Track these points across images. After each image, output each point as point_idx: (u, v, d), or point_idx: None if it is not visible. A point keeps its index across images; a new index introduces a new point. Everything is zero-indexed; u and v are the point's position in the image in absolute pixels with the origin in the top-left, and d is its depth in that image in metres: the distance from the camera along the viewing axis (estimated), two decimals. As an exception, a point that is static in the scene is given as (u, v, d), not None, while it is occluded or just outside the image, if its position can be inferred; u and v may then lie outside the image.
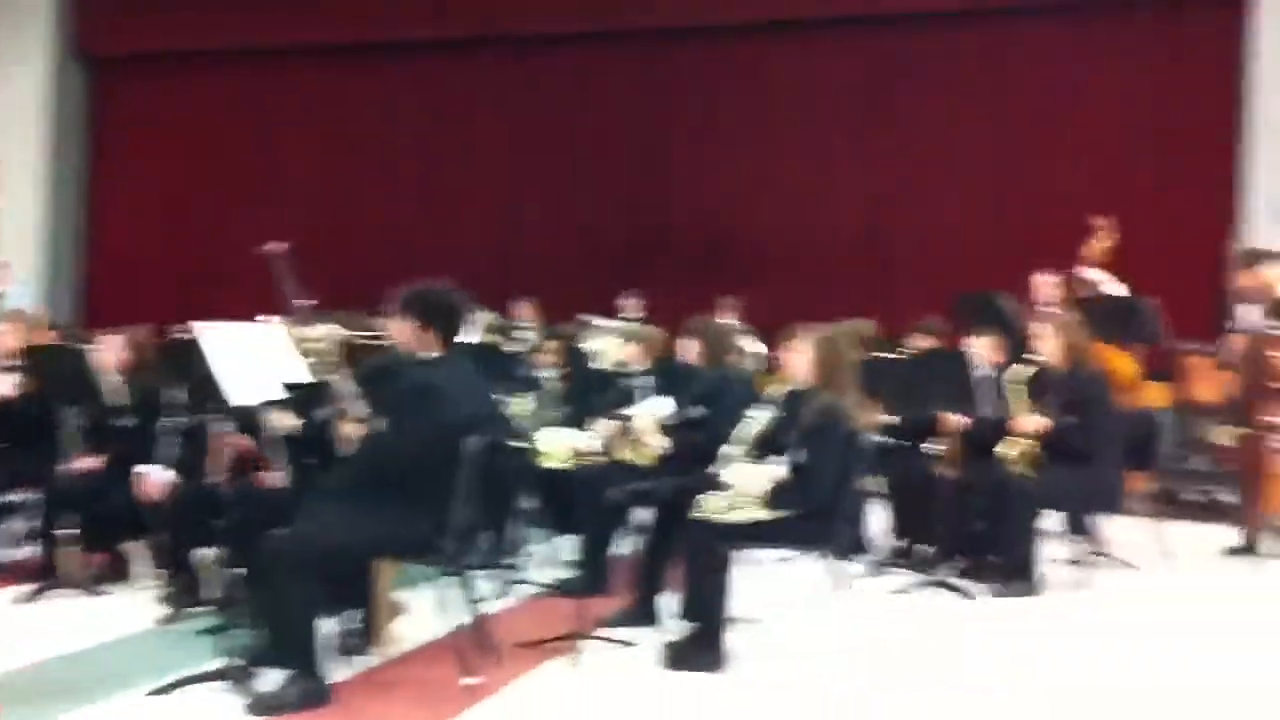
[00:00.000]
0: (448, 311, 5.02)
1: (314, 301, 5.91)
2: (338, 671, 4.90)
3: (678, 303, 12.44)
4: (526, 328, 9.57)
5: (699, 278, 13.52)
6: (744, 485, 5.37)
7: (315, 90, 15.47)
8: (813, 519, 5.24)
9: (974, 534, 6.89)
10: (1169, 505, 9.29)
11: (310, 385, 5.37)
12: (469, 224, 14.90)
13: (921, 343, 7.81)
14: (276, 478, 5.59)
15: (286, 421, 5.67)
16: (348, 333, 5.94)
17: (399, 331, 5.13)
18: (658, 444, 6.30)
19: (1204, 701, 4.84)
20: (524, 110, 14.92)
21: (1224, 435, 7.73)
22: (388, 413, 4.96)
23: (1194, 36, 13.01)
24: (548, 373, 7.65)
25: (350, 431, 5.36)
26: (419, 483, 4.79)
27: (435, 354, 4.98)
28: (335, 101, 15.42)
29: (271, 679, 4.66)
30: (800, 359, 5.67)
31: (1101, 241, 9.53)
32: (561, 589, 6.32)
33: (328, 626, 4.89)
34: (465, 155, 15.01)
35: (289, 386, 5.24)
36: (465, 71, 15.03)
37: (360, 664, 5.13)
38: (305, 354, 5.48)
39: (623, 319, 11.09)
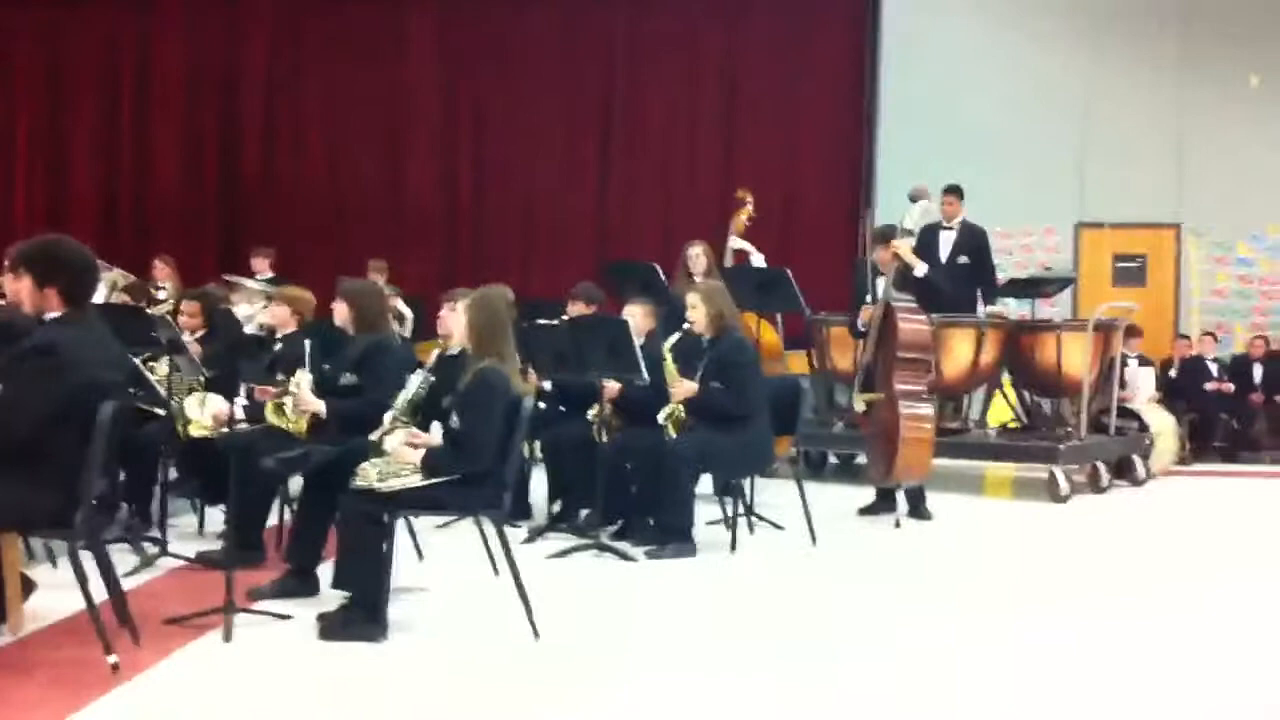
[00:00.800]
0: (69, 267, 4.58)
1: None
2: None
3: (310, 262, 12.17)
4: (161, 287, 9.00)
5: (331, 238, 13.27)
6: (400, 452, 5.21)
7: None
8: (471, 484, 5.12)
9: (631, 497, 6.98)
10: (810, 468, 9.76)
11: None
12: (83, 175, 13.94)
13: (578, 309, 7.82)
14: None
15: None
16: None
17: (16, 290, 4.67)
18: (311, 407, 6.02)
19: (850, 651, 5.04)
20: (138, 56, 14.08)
21: (859, 402, 8.10)
22: (5, 376, 4.50)
23: (826, 17, 13.68)
24: (187, 336, 7.19)
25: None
26: (45, 451, 4.41)
27: (58, 313, 4.54)
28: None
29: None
30: (458, 322, 5.54)
31: (743, 212, 9.85)
32: (210, 561, 5.97)
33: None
34: (79, 105, 14.02)
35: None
36: (86, 14, 13.99)
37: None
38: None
39: (259, 279, 10.59)
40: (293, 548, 5.67)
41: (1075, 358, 9.26)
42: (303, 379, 6.02)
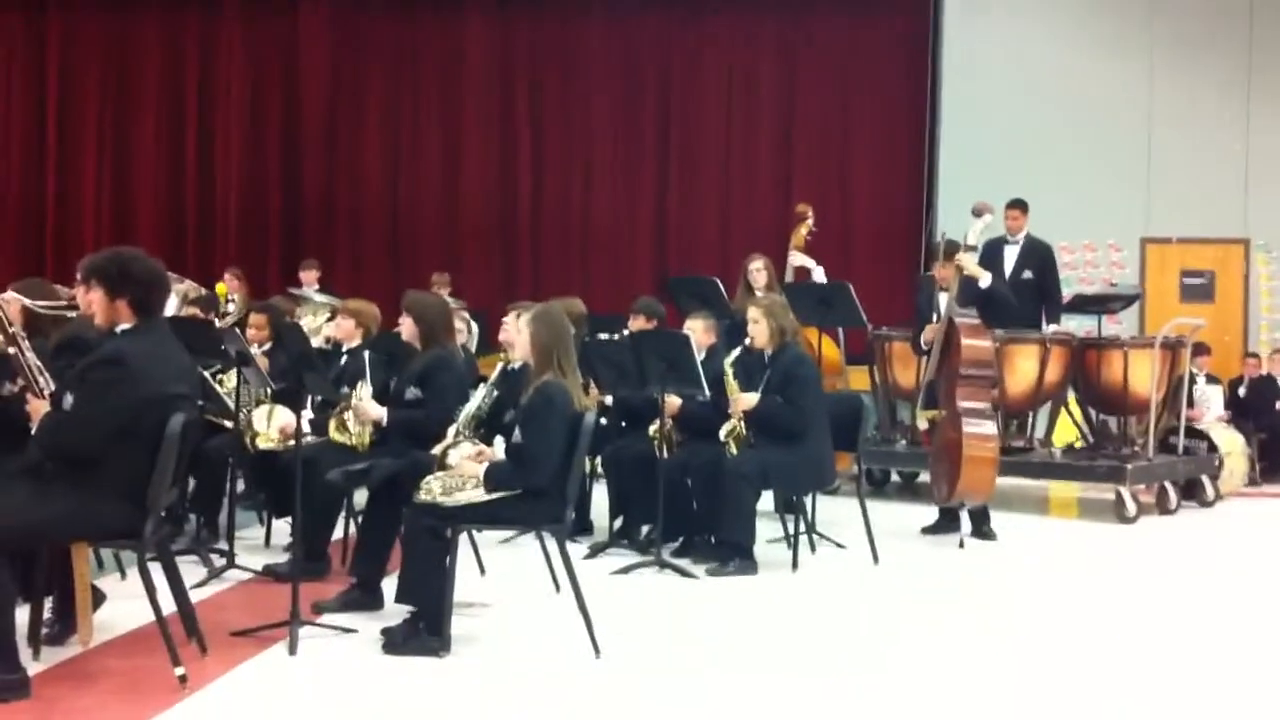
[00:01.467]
0: (140, 279, 4.61)
1: None
2: (34, 662, 4.56)
3: (369, 275, 12.26)
4: (230, 300, 9.10)
5: (390, 251, 13.33)
6: (463, 466, 5.24)
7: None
8: (533, 500, 5.12)
9: (692, 514, 6.95)
10: (872, 485, 9.68)
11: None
12: (148, 187, 14.07)
13: (639, 324, 7.80)
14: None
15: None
16: (31, 302, 5.48)
17: (88, 302, 4.73)
18: (372, 415, 6.06)
19: (912, 673, 4.99)
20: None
21: (921, 418, 8.03)
22: (75, 387, 4.56)
23: (886, 30, 13.61)
24: (255, 348, 7.25)
25: (39, 407, 4.92)
26: (114, 462, 4.44)
27: (129, 325, 4.60)
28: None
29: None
30: (522, 337, 5.55)
31: (803, 227, 9.80)
32: (276, 574, 6.02)
33: (21, 615, 4.51)
34: (143, 117, 14.15)
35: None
36: (149, 26, 14.15)
37: (59, 654, 4.78)
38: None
39: (318, 292, 10.68)
40: (357, 561, 5.71)
41: (1142, 375, 9.12)
42: (364, 391, 6.08)
